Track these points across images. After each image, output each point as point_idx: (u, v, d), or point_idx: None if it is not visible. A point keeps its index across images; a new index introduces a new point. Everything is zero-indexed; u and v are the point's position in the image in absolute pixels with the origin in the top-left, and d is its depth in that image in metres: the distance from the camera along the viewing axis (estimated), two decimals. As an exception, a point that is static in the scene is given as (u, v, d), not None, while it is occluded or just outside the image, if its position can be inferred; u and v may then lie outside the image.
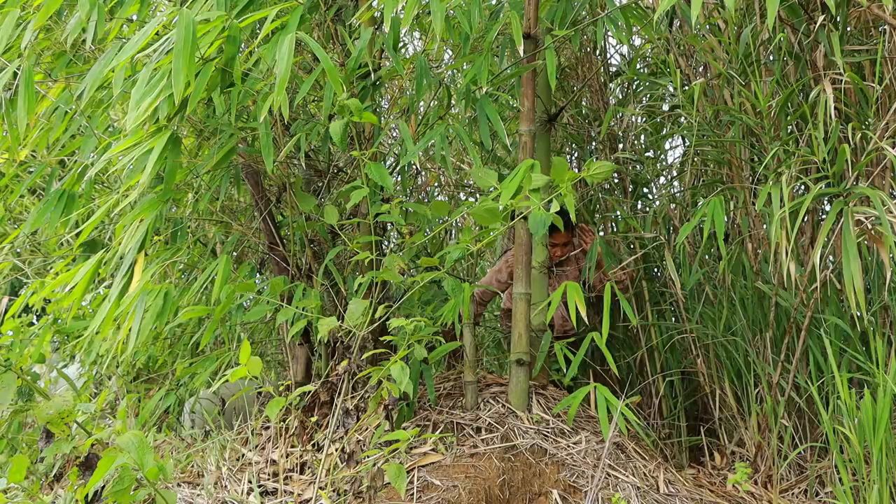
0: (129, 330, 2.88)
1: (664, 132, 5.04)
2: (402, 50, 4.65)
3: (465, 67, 3.94)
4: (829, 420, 3.43)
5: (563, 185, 2.65)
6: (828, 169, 3.33)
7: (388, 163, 4.10)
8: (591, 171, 2.68)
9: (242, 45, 2.86)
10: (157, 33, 2.74)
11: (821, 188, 3.30)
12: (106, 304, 2.94)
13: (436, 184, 5.35)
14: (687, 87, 4.57)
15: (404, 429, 2.94)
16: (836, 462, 3.41)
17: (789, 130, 3.99)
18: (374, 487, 2.80)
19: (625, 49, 5.06)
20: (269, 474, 3.15)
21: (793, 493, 3.71)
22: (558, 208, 2.65)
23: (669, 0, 2.61)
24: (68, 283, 3.07)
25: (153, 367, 4.17)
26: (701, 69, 4.69)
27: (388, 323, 2.92)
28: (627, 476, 3.25)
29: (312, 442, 3.24)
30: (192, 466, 3.25)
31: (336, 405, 2.94)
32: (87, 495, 2.35)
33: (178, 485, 3.04)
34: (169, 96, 2.54)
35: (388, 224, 3.79)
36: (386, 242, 4.14)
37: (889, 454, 3.32)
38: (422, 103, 4.23)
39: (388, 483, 2.92)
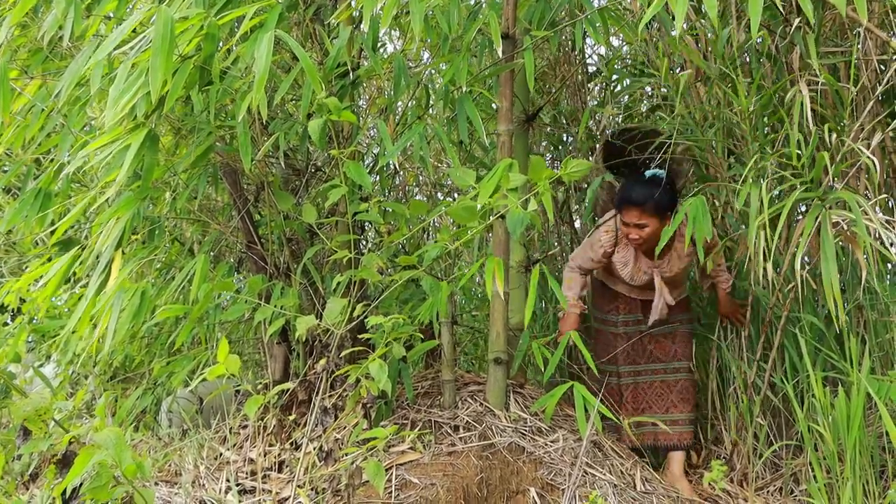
0: (106, 328, 2.86)
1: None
2: (381, 49, 4.65)
3: (442, 68, 3.96)
4: (803, 418, 3.46)
5: (541, 183, 2.66)
6: (805, 173, 3.36)
7: (366, 162, 4.10)
8: (568, 170, 2.69)
9: (221, 44, 2.86)
10: (134, 30, 2.73)
11: (798, 193, 3.32)
12: (83, 303, 2.92)
13: (414, 183, 5.35)
14: (671, 85, 4.61)
15: (382, 427, 2.94)
16: (811, 460, 3.45)
17: (766, 131, 4.03)
18: (352, 485, 2.80)
19: (603, 49, 5.09)
20: (247, 473, 3.15)
21: (768, 491, 3.75)
22: (536, 207, 2.66)
23: (653, 8, 2.62)
24: (41, 279, 3.05)
25: (130, 367, 4.15)
26: (678, 70, 4.72)
27: (366, 321, 2.92)
28: (605, 474, 3.27)
29: (291, 441, 3.24)
30: (170, 465, 3.24)
31: (314, 403, 2.94)
32: (64, 492, 2.34)
33: (156, 483, 3.03)
34: (146, 94, 2.54)
35: (367, 223, 3.79)
36: (364, 242, 4.14)
37: (862, 451, 3.36)
38: (400, 103, 4.24)
39: (367, 481, 2.93)
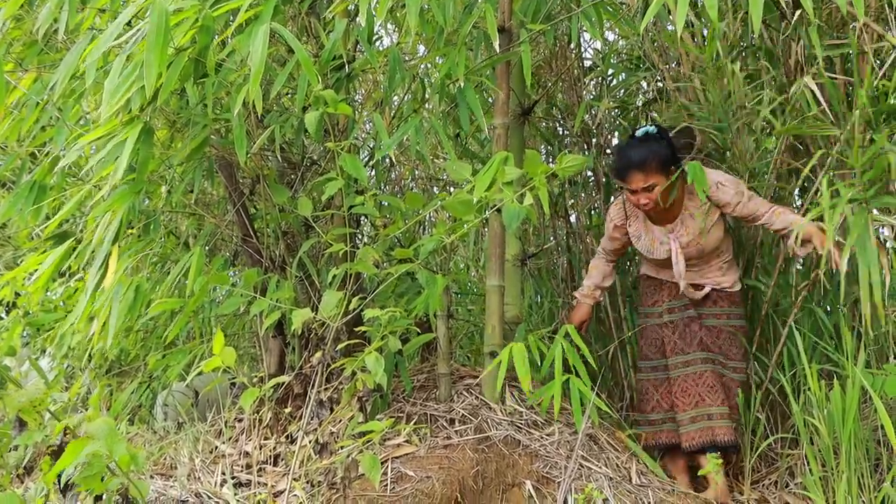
0: (105, 324, 2.85)
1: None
2: (377, 43, 4.64)
3: (439, 62, 3.95)
4: (799, 412, 3.47)
5: (537, 178, 2.66)
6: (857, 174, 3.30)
7: (362, 156, 4.10)
8: (563, 165, 2.69)
9: (216, 36, 2.85)
10: (129, 23, 2.72)
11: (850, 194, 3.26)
12: (83, 298, 2.91)
13: (410, 178, 5.35)
14: (661, 82, 4.61)
15: (378, 420, 2.94)
16: (807, 453, 3.46)
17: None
18: (348, 478, 2.80)
19: (599, 44, 5.08)
20: (242, 466, 3.15)
21: (764, 485, 3.76)
22: (531, 201, 2.66)
23: (652, 10, 2.62)
24: (35, 271, 3.04)
25: (126, 360, 4.15)
26: (674, 64, 4.72)
27: (362, 314, 2.92)
28: (600, 467, 3.27)
29: (286, 434, 3.24)
30: (165, 459, 3.24)
31: (310, 396, 2.94)
32: (60, 483, 2.34)
33: (151, 477, 3.03)
34: (141, 87, 2.53)
35: (363, 218, 3.79)
36: (360, 236, 4.14)
37: (857, 445, 3.37)
38: (396, 98, 4.23)
39: (362, 474, 2.93)
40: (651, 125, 3.55)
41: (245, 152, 2.88)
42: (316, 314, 2.93)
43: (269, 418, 3.28)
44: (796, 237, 3.31)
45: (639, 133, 3.54)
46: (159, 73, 2.49)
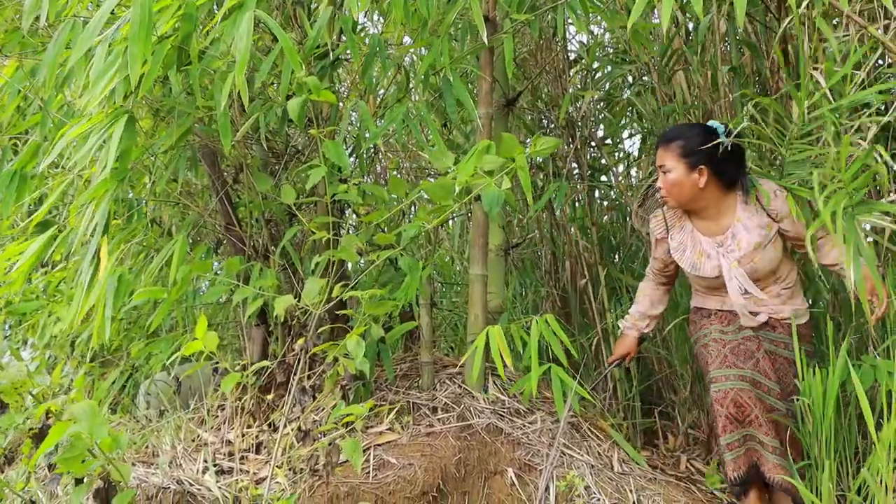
0: (103, 317, 2.84)
1: (623, 122, 5.10)
2: (362, 32, 4.64)
3: (423, 53, 3.95)
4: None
5: (518, 158, 2.67)
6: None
7: (346, 146, 4.09)
8: (538, 147, 2.71)
9: (200, 25, 2.84)
10: (112, 11, 2.71)
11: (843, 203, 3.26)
12: (79, 292, 2.88)
13: (395, 170, 5.35)
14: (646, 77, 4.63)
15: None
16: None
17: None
18: (330, 463, 2.81)
19: (584, 37, 5.10)
20: (224, 454, 3.15)
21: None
22: (510, 185, 2.67)
23: (639, 6, 2.63)
24: (16, 259, 3.02)
25: (108, 350, 4.13)
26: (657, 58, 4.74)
27: (344, 295, 2.92)
28: (582, 455, 3.29)
29: (269, 422, 3.24)
30: (147, 447, 3.24)
31: (292, 383, 2.94)
32: (47, 466, 2.33)
33: (133, 464, 3.02)
34: (125, 76, 2.52)
35: (346, 207, 3.79)
36: (344, 225, 4.14)
37: (837, 434, 3.39)
38: (381, 90, 4.23)
39: (345, 461, 2.94)
40: (721, 124, 3.17)
41: (229, 140, 2.88)
42: (299, 301, 2.94)
43: (251, 406, 3.27)
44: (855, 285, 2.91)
45: (710, 123, 3.20)
46: (143, 62, 2.49)
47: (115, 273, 2.98)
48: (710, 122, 3.17)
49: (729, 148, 3.09)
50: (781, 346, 3.29)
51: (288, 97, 2.98)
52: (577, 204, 4.86)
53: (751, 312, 3.25)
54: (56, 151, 2.78)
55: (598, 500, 3.14)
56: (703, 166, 3.11)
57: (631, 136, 5.24)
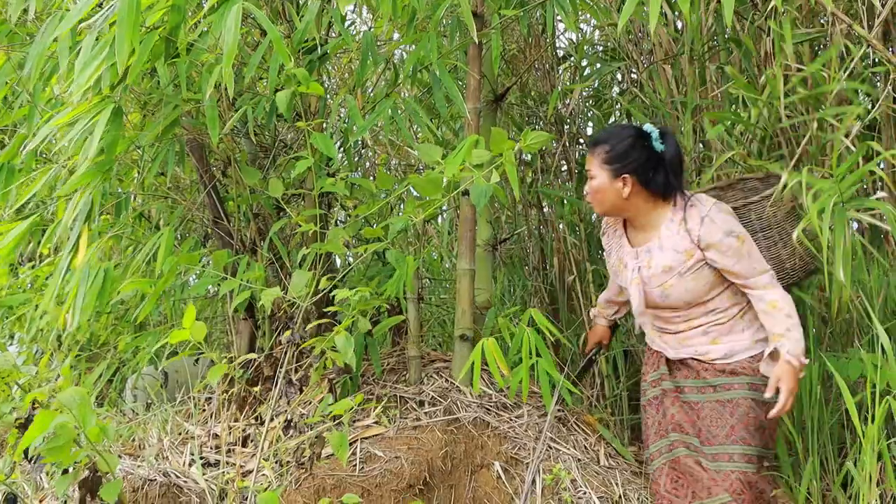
0: (73, 304, 2.83)
1: (612, 119, 5.12)
2: (350, 27, 4.65)
3: (411, 49, 3.96)
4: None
5: (506, 154, 2.67)
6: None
7: (334, 141, 4.09)
8: (528, 141, 2.71)
9: (188, 16, 2.84)
10: (100, 4, 2.71)
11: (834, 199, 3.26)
12: (54, 279, 2.88)
13: (384, 166, 5.36)
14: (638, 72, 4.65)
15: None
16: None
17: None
18: (316, 454, 2.81)
19: (574, 35, 5.12)
20: (211, 447, 3.15)
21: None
22: (498, 179, 2.67)
23: (629, 6, 2.64)
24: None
25: (96, 345, 4.12)
26: (647, 55, 4.76)
27: (332, 295, 2.93)
28: (569, 449, 3.30)
29: (256, 415, 3.24)
30: (134, 440, 3.23)
31: (278, 376, 2.95)
32: (26, 452, 2.32)
33: (120, 456, 3.02)
34: (112, 65, 2.52)
35: (335, 201, 3.79)
36: (332, 219, 4.15)
37: (822, 428, 3.42)
38: (370, 84, 4.24)
39: (332, 454, 2.94)
40: (656, 127, 2.88)
41: (217, 133, 2.88)
42: (286, 293, 2.94)
43: (238, 400, 3.28)
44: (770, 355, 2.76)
45: (645, 127, 2.88)
46: (131, 51, 2.49)
47: (101, 267, 2.98)
48: (644, 126, 2.87)
49: (665, 155, 2.81)
50: (708, 390, 2.89)
51: (276, 91, 2.99)
52: (565, 201, 4.87)
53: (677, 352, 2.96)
54: (39, 138, 2.77)
55: (585, 493, 3.16)
56: (627, 175, 2.79)
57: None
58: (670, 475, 2.93)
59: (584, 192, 2.93)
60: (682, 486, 2.91)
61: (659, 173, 2.81)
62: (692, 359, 2.89)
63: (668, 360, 2.98)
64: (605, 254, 3.11)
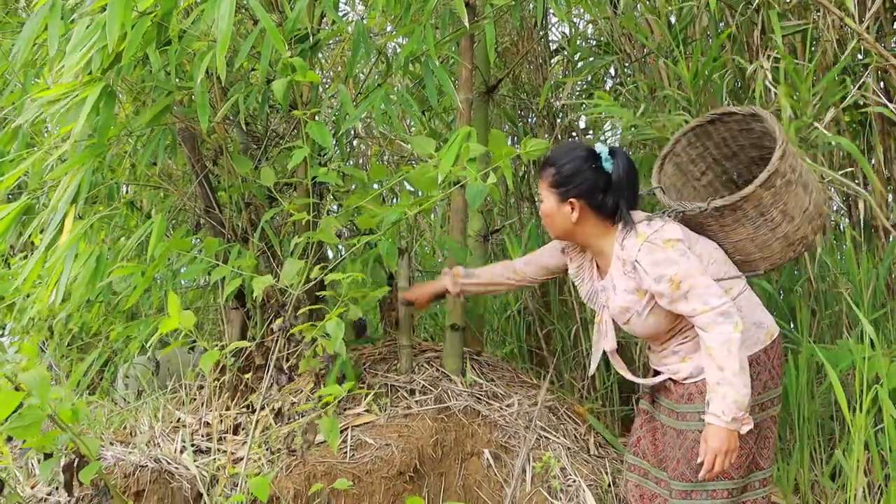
0: (57, 283, 2.82)
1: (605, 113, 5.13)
2: (344, 19, 4.65)
3: (404, 42, 3.96)
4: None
5: (502, 161, 2.67)
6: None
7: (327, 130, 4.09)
8: (528, 149, 2.70)
9: (180, 3, 2.84)
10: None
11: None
12: (34, 255, 2.88)
13: (377, 159, 5.37)
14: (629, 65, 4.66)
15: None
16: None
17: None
18: (307, 441, 2.82)
19: (567, 29, 5.14)
20: (202, 435, 3.15)
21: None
22: (495, 180, 2.66)
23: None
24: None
25: (87, 334, 4.12)
26: (641, 48, 4.78)
27: (325, 280, 2.93)
28: (559, 437, 3.32)
29: (247, 404, 3.25)
30: (126, 427, 3.24)
31: (269, 362, 2.95)
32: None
33: (111, 443, 3.02)
34: (103, 47, 2.53)
35: (327, 190, 3.80)
36: (323, 209, 4.15)
37: (811, 418, 3.44)
38: (362, 75, 4.24)
39: (323, 441, 2.95)
40: (606, 146, 2.71)
41: (207, 120, 2.88)
42: (277, 281, 2.94)
43: (230, 388, 3.28)
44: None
45: (597, 146, 2.70)
46: (123, 34, 2.49)
47: (93, 253, 2.97)
48: (595, 146, 2.70)
49: (614, 176, 2.65)
50: (672, 415, 2.77)
51: (268, 81, 2.99)
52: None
53: (655, 371, 2.87)
54: (27, 116, 2.77)
55: (574, 481, 3.17)
56: (573, 199, 2.65)
57: (613, 127, 5.28)
58: (625, 498, 2.93)
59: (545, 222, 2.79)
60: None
61: (609, 196, 2.65)
62: (670, 379, 2.77)
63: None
64: (572, 275, 2.94)
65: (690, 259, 2.56)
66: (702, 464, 2.53)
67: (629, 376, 2.86)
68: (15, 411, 2.01)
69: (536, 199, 2.77)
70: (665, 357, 2.77)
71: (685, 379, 2.70)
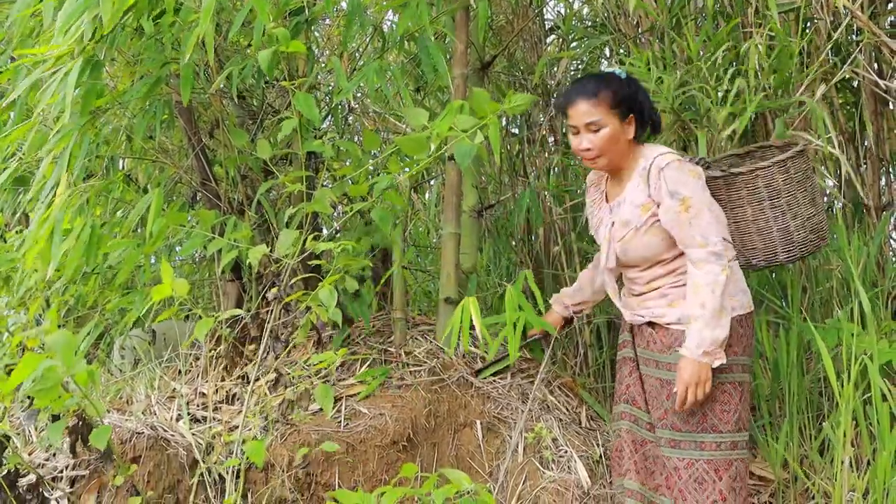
0: (43, 249, 2.82)
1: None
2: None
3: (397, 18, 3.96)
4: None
5: (489, 117, 2.69)
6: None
7: (322, 106, 4.10)
8: (512, 103, 2.71)
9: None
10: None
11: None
12: (31, 226, 2.89)
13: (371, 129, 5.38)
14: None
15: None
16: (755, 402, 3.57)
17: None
18: (302, 408, 2.85)
19: (563, 9, 5.14)
20: (198, 405, 3.18)
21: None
22: (483, 139, 2.68)
23: None
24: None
25: (84, 307, 4.13)
26: (636, 27, 4.79)
27: (315, 247, 2.95)
28: (551, 410, 3.35)
29: (242, 375, 3.27)
30: (122, 397, 3.26)
31: (265, 331, 2.98)
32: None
33: (108, 411, 3.05)
34: (95, 16, 2.53)
35: (322, 164, 3.82)
36: (318, 182, 4.17)
37: (800, 393, 3.48)
38: (358, 54, 4.25)
39: (319, 409, 2.99)
40: (622, 70, 2.82)
41: (189, 93, 2.89)
42: (272, 252, 2.96)
43: (227, 358, 3.30)
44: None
45: (616, 70, 2.81)
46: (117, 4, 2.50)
47: (87, 224, 2.98)
48: (614, 70, 2.81)
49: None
50: (652, 364, 2.81)
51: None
52: (551, 172, 4.90)
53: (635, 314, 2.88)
54: (20, 91, 2.77)
55: (566, 452, 3.21)
56: (632, 115, 2.74)
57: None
58: (633, 446, 2.90)
59: (585, 149, 2.74)
60: (619, 464, 2.93)
61: (647, 111, 2.80)
62: (649, 324, 2.80)
63: (632, 325, 2.91)
64: (588, 215, 3.04)
65: (706, 193, 2.68)
66: (692, 413, 2.66)
67: (618, 303, 2.94)
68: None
69: (570, 135, 2.78)
70: (650, 300, 2.81)
71: (669, 324, 2.74)
